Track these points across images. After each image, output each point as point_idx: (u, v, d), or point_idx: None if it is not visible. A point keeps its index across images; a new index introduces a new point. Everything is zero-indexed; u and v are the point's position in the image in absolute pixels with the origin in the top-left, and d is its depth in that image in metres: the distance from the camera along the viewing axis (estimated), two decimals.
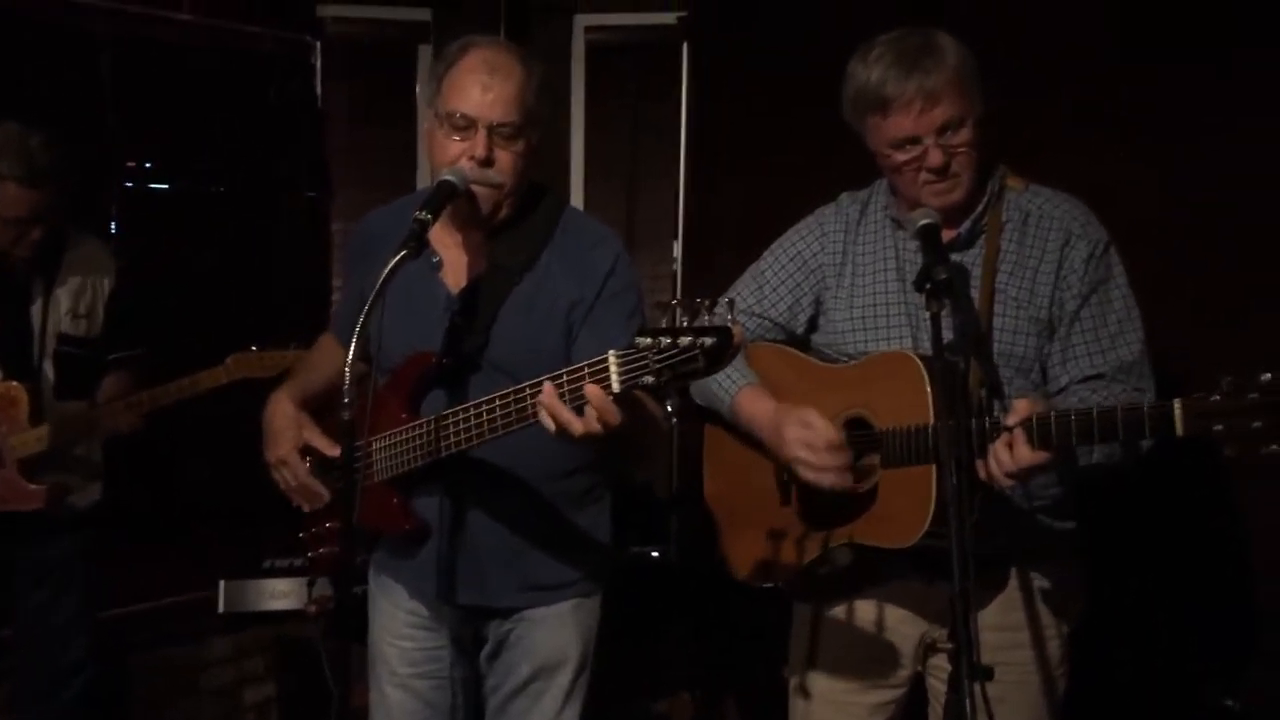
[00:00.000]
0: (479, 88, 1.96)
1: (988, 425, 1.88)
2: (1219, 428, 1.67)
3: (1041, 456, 1.80)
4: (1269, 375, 1.64)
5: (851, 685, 2.18)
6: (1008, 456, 1.82)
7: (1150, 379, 2.04)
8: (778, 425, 2.05)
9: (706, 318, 1.56)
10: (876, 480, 2.02)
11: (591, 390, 1.65)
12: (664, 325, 1.56)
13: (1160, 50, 2.88)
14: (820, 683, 2.21)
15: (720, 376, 2.15)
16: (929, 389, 1.91)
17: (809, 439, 1.99)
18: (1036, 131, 2.91)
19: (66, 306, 3.02)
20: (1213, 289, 2.82)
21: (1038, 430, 1.79)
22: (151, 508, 3.66)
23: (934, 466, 1.90)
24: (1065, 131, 2.99)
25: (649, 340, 1.56)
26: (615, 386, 1.61)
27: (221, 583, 3.50)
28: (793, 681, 2.29)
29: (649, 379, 1.56)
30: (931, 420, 1.90)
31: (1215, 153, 2.81)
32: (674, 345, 1.53)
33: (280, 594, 3.50)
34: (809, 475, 2.01)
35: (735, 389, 2.16)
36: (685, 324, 1.55)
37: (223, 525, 3.65)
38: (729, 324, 1.53)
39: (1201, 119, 2.83)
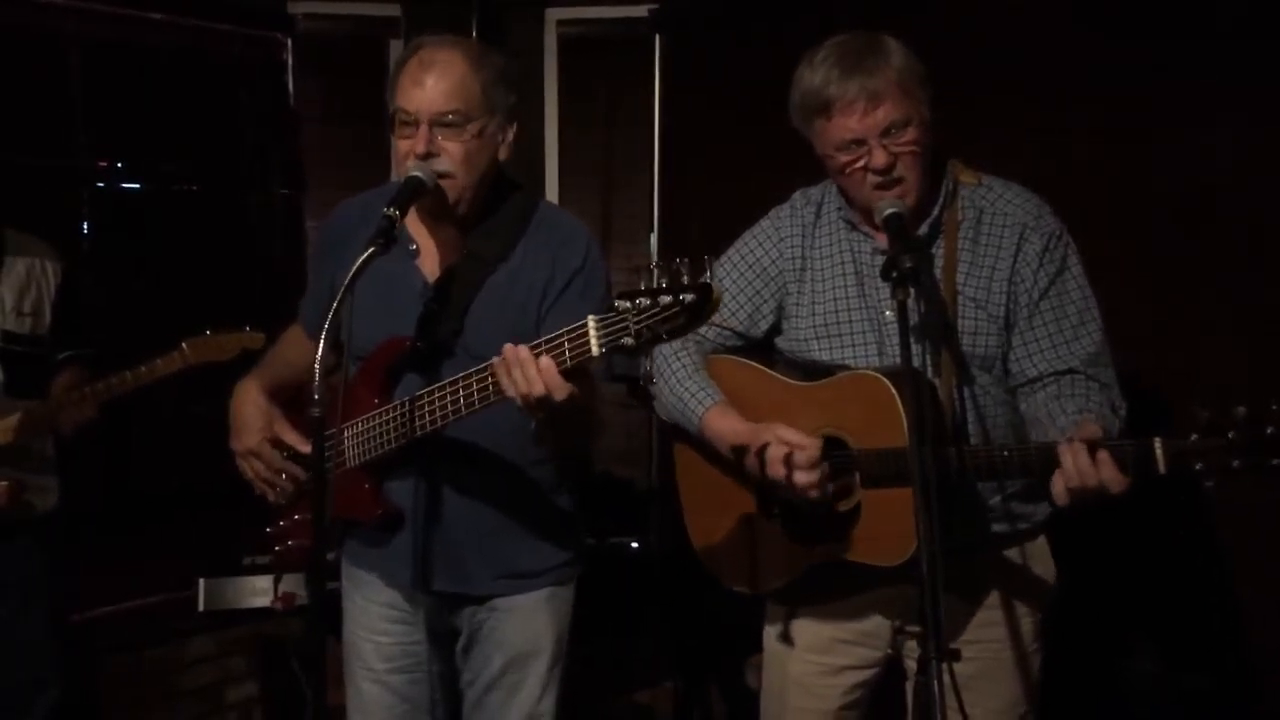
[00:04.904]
0: (414, 83, 1.98)
1: (964, 448, 1.90)
2: (1199, 466, 1.70)
3: (1125, 482, 1.76)
4: (1243, 409, 1.68)
5: (824, 669, 2.20)
6: (1096, 477, 1.75)
7: (1111, 367, 2.05)
8: (753, 443, 2.03)
9: (685, 278, 1.57)
10: (858, 499, 2.02)
11: (545, 362, 1.70)
12: (642, 287, 1.58)
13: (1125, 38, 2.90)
14: (793, 667, 2.23)
15: (686, 395, 2.16)
16: (902, 411, 1.90)
17: (789, 457, 1.98)
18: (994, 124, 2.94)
19: (11, 304, 3.00)
20: (1173, 281, 2.85)
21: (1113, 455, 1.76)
22: (120, 506, 3.65)
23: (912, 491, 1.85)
24: (1024, 120, 3.02)
25: (628, 304, 1.58)
26: (594, 350, 1.64)
27: (201, 581, 3.49)
28: (765, 667, 2.31)
29: (629, 340, 1.59)
30: (907, 442, 1.85)
31: (1176, 144, 2.83)
32: (654, 304, 1.56)
33: (261, 591, 3.49)
34: (790, 492, 2.00)
35: (703, 408, 2.14)
36: (663, 285, 1.57)
37: (200, 522, 3.64)
38: (708, 280, 1.55)
39: (1165, 109, 2.86)
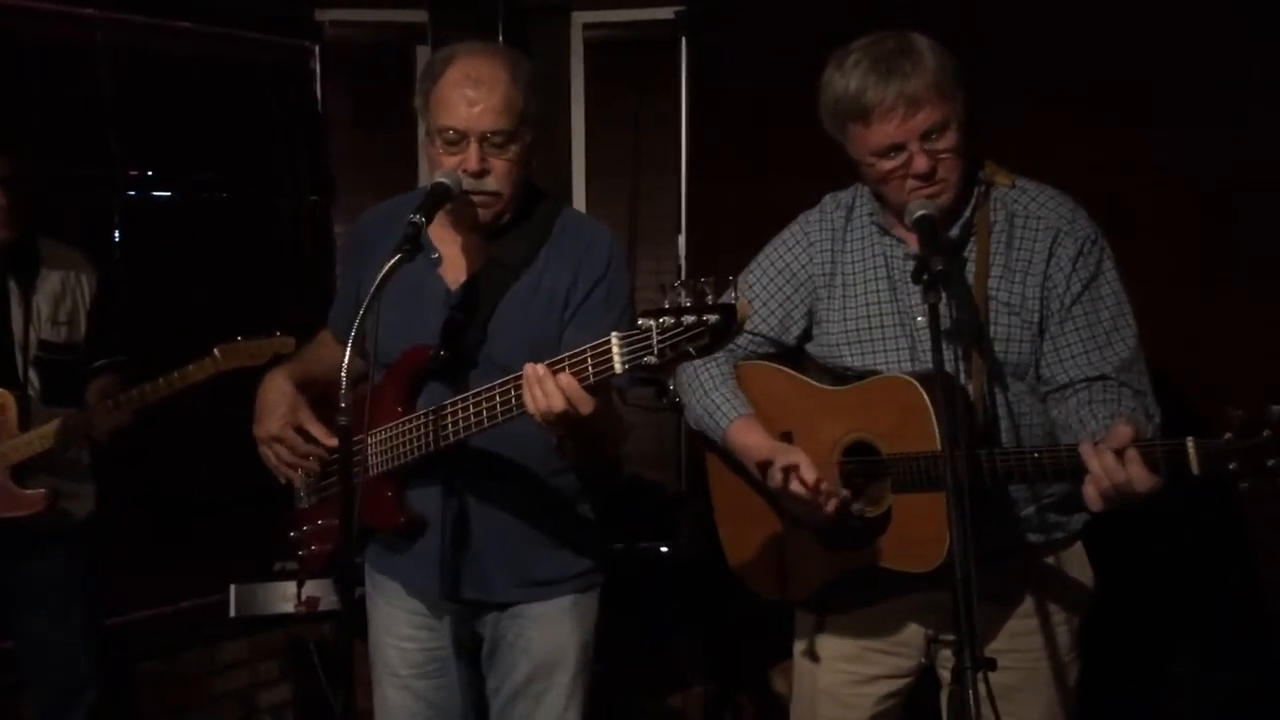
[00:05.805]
0: (464, 102, 1.97)
1: (995, 452, 1.89)
2: (1234, 466, 1.68)
3: (1154, 480, 1.73)
4: (1278, 408, 1.65)
5: (855, 679, 2.18)
6: (1123, 474, 1.73)
7: (1146, 373, 2.02)
8: (775, 461, 2.01)
9: (710, 297, 1.56)
10: (889, 505, 2.00)
11: (566, 380, 1.69)
12: (666, 305, 1.57)
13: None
14: (823, 677, 2.21)
15: (712, 407, 2.15)
16: (933, 415, 1.89)
17: (797, 491, 1.97)
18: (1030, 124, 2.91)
19: (47, 314, 3.03)
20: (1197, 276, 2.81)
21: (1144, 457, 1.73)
22: (154, 513, 3.68)
23: (945, 495, 1.82)
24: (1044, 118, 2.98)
25: (652, 322, 1.57)
26: (618, 367, 1.63)
27: (232, 587, 3.51)
28: (795, 676, 2.29)
29: (651, 359, 1.58)
30: (938, 446, 1.84)
31: (1177, 143, 2.80)
32: (678, 324, 1.55)
33: (292, 597, 3.51)
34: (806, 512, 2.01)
35: (728, 420, 2.13)
36: (688, 303, 1.56)
37: (232, 528, 3.66)
38: (733, 300, 1.54)
39: (1164, 109, 2.83)
